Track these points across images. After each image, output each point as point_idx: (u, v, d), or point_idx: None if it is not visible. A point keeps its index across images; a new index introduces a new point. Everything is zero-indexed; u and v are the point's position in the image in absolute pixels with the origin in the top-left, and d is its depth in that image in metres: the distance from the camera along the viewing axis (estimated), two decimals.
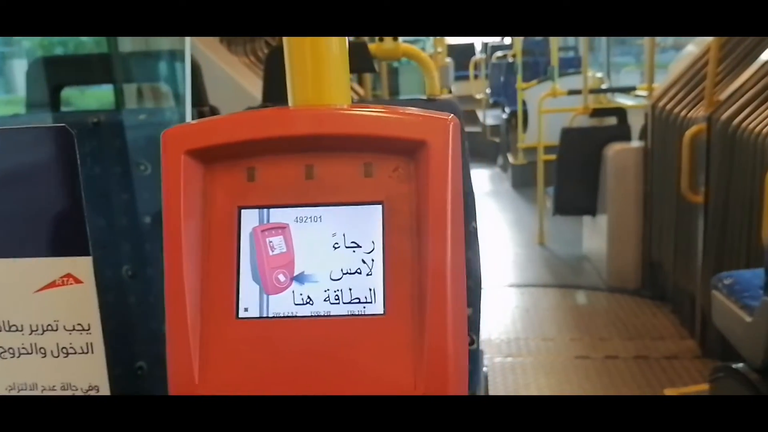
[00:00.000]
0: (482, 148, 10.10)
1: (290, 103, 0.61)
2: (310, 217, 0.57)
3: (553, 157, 4.65)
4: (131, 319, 1.39)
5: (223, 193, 0.57)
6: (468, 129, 6.43)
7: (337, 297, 0.55)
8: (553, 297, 4.00)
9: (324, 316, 0.55)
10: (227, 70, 2.43)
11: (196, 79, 1.76)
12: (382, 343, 0.54)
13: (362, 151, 0.56)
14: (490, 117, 9.44)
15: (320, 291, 0.57)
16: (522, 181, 7.29)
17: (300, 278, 0.57)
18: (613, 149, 3.99)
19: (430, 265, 0.54)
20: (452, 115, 0.58)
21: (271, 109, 0.60)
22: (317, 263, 0.57)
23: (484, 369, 1.52)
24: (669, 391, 2.06)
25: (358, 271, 0.56)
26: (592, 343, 3.24)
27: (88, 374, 0.66)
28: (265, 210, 0.57)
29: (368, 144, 0.56)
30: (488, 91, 9.58)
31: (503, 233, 5.75)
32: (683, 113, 3.25)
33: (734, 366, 1.49)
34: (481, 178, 8.74)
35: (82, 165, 1.53)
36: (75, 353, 0.66)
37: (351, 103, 0.62)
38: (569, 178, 4.44)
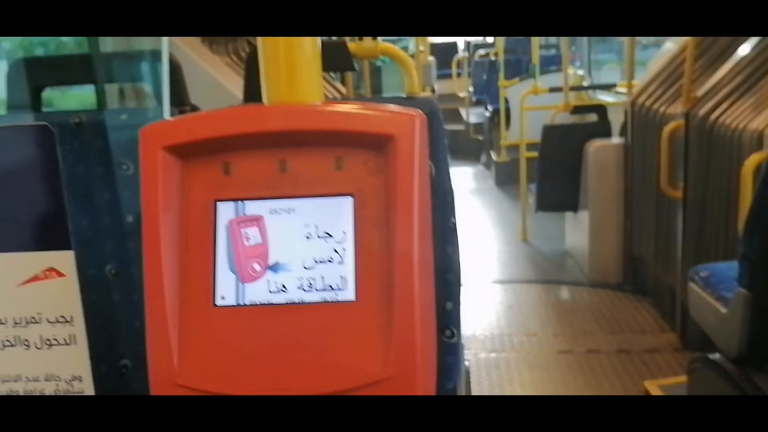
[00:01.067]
0: (466, 146, 10.14)
1: (265, 100, 0.63)
2: (284, 209, 0.59)
3: (535, 154, 4.69)
4: (115, 318, 1.40)
5: (200, 187, 0.59)
6: (451, 127, 6.51)
7: (310, 284, 0.57)
8: (536, 293, 4.04)
9: (298, 303, 0.57)
10: (209, 69, 2.44)
11: (177, 78, 1.77)
12: (353, 327, 0.56)
13: (333, 146, 0.58)
14: (474, 115, 9.49)
15: (294, 279, 0.59)
16: (505, 178, 7.34)
17: (275, 267, 0.59)
18: (594, 146, 4.04)
19: (398, 253, 0.56)
20: (419, 111, 0.60)
21: (246, 106, 0.62)
22: (291, 253, 0.59)
23: (466, 363, 1.54)
24: (649, 384, 2.10)
25: (330, 259, 0.58)
26: (575, 338, 3.28)
27: (71, 365, 0.67)
28: (241, 203, 0.59)
29: (339, 139, 0.58)
30: (471, 89, 9.62)
31: (487, 230, 5.79)
32: (662, 109, 3.30)
33: (711, 357, 1.52)
34: (465, 175, 8.77)
35: (65, 164, 1.53)
36: (58, 344, 0.68)
37: (324, 100, 0.64)
38: (551, 175, 4.48)
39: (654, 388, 2.04)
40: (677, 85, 3.25)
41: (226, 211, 0.59)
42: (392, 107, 0.60)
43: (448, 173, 1.23)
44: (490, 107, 8.22)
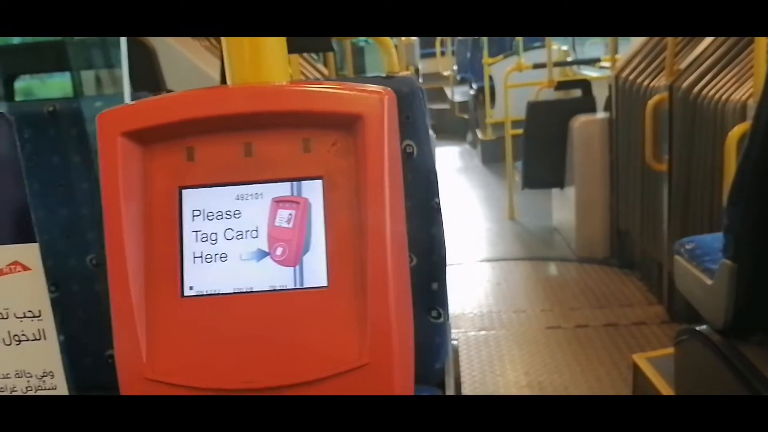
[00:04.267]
0: (451, 125, 10.11)
1: (228, 81, 0.61)
2: (251, 194, 0.57)
3: (520, 131, 4.68)
4: (98, 308, 1.39)
5: (163, 174, 0.57)
6: (436, 106, 6.48)
7: None
8: (524, 270, 4.05)
9: (268, 290, 0.55)
10: (186, 53, 2.39)
11: (152, 63, 1.73)
12: (326, 314, 0.54)
13: (300, 127, 0.56)
14: (458, 94, 9.45)
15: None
16: (491, 156, 7.33)
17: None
18: (579, 121, 4.03)
19: (370, 236, 0.54)
20: (389, 89, 0.58)
21: (208, 89, 0.59)
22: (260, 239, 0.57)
23: (454, 342, 1.54)
24: (637, 357, 2.12)
25: None
26: (563, 313, 3.30)
27: (41, 360, 0.66)
28: (206, 189, 0.57)
29: (306, 120, 0.56)
30: (455, 67, 9.57)
31: (474, 209, 5.79)
32: (646, 83, 3.29)
33: (697, 328, 1.53)
34: (451, 154, 8.75)
35: (40, 154, 1.49)
36: (27, 340, 0.66)
37: (290, 80, 0.62)
38: (536, 152, 4.47)
39: (642, 360, 2.06)
40: (661, 58, 3.24)
41: (191, 199, 0.57)
42: (361, 86, 0.58)
43: (431, 152, 1.22)
44: (474, 85, 8.18)
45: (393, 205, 0.55)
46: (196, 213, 0.57)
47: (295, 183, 0.57)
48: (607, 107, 3.98)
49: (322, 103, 0.56)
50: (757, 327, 1.42)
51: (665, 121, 2.99)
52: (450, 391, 1.19)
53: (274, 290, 0.56)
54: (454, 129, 9.94)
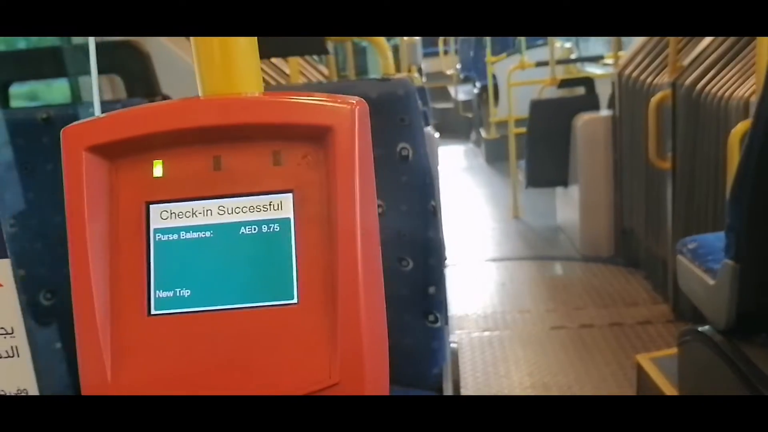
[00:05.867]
0: (455, 124, 10.09)
1: (200, 92, 0.59)
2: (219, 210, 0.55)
3: (524, 130, 4.66)
4: None
5: (129, 189, 0.55)
6: (440, 106, 6.46)
7: None
8: (528, 269, 4.03)
9: (237, 308, 0.54)
10: (182, 55, 2.38)
11: (146, 68, 1.72)
12: (296, 332, 0.53)
13: (270, 140, 0.55)
14: (462, 92, 9.43)
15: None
16: (496, 155, 7.30)
17: None
18: (582, 119, 4.00)
19: (340, 251, 0.53)
20: (359, 99, 0.57)
21: (176, 101, 0.58)
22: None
23: (454, 345, 1.53)
24: (641, 357, 2.10)
25: None
26: (568, 313, 3.28)
27: (15, 378, 0.65)
28: (173, 204, 0.55)
29: (275, 132, 0.55)
30: (459, 66, 9.54)
31: (479, 208, 5.77)
32: (649, 80, 3.26)
33: (700, 329, 1.51)
34: (455, 154, 8.74)
35: (35, 162, 1.48)
36: (0, 357, 0.65)
37: (263, 90, 0.61)
38: (540, 151, 4.45)
39: (645, 361, 2.04)
40: (664, 55, 3.22)
41: (157, 213, 0.56)
42: (334, 96, 0.57)
43: (426, 154, 1.21)
44: (478, 84, 8.17)
45: (364, 218, 0.54)
46: None
47: (264, 197, 0.56)
48: (611, 105, 3.96)
49: (291, 114, 0.55)
50: (761, 328, 1.40)
51: (668, 118, 2.96)
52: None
53: (243, 308, 0.55)
54: (458, 128, 9.92)
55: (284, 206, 0.56)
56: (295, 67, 2.89)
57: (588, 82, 4.43)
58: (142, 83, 1.70)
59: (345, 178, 0.53)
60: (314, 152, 0.55)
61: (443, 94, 9.99)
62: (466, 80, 9.38)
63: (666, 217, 3.15)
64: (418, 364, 1.11)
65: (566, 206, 4.53)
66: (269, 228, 0.55)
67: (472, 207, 5.84)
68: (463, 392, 2.64)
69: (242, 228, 0.55)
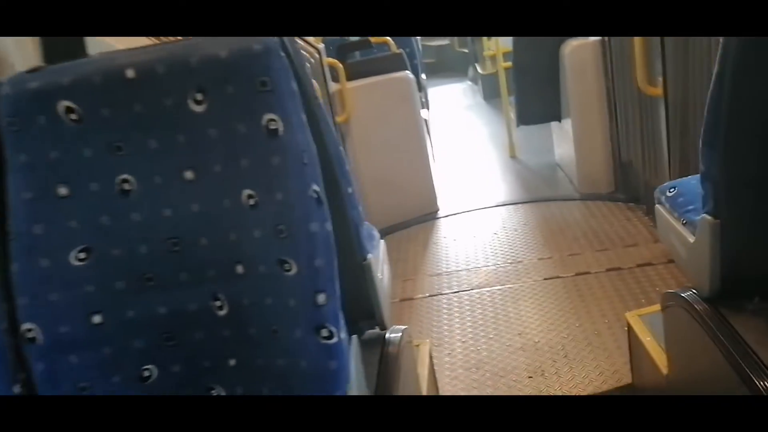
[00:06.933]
0: (452, 61, 9.73)
1: None
2: None
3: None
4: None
5: None
6: (435, 42, 6.09)
7: None
8: (523, 214, 3.80)
9: None
10: None
11: None
12: None
13: None
14: None
15: None
16: (493, 92, 6.97)
17: None
18: (570, 46, 3.69)
19: None
20: None
21: None
22: None
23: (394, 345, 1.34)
24: (630, 315, 1.88)
25: None
26: (562, 261, 3.06)
27: None
28: None
29: None
30: None
31: (475, 149, 5.51)
32: None
33: (683, 294, 1.28)
34: (453, 92, 8.41)
35: None
36: None
37: None
38: (528, 85, 4.15)
39: (634, 319, 1.82)
40: None
41: None
42: None
43: (305, 126, 0.98)
44: None
45: None
46: None
47: None
48: None
49: None
50: (750, 293, 1.18)
51: (656, 40, 2.66)
52: None
53: None
54: (454, 65, 9.57)
55: None
56: None
57: None
58: None
59: None
60: None
61: None
62: None
63: (661, 148, 2.88)
64: (316, 389, 0.92)
65: (563, 142, 4.26)
66: None
67: (468, 148, 5.58)
68: (451, 356, 2.46)
69: None
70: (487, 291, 2.92)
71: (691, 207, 1.31)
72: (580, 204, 3.73)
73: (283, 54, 0.95)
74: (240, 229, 0.95)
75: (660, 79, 2.70)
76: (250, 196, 0.95)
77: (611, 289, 2.72)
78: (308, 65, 1.07)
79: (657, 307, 1.95)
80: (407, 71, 3.97)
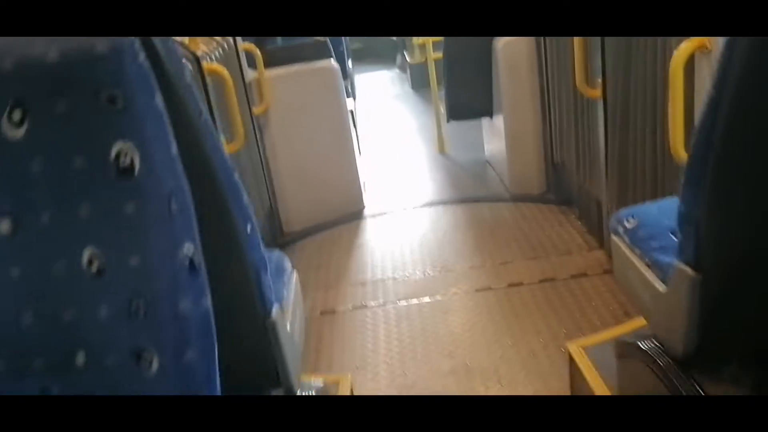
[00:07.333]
0: (380, 47, 9.49)
1: None
2: None
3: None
4: None
5: None
6: None
7: None
8: (453, 215, 3.61)
9: None
10: None
11: None
12: None
13: None
14: None
15: None
16: (422, 81, 6.77)
17: None
18: (503, 40, 3.50)
19: None
20: None
21: None
22: None
23: None
24: (571, 345, 1.71)
25: None
26: (495, 270, 2.88)
27: None
28: None
29: None
30: None
31: (402, 143, 5.29)
32: None
33: (644, 347, 1.09)
34: (379, 80, 8.17)
35: None
36: None
37: None
38: (459, 78, 3.96)
39: (577, 351, 1.64)
40: None
41: None
42: None
43: (174, 159, 0.70)
44: None
45: None
46: None
47: None
48: None
49: None
50: (727, 356, 1.00)
51: (596, 38, 2.50)
52: None
53: None
54: (383, 51, 9.34)
55: None
56: None
57: None
58: None
59: None
60: None
61: None
62: None
63: (598, 150, 2.74)
64: None
65: (493, 138, 4.09)
66: None
67: (396, 142, 5.35)
68: (375, 381, 2.24)
69: None
70: (416, 303, 2.71)
71: (655, 244, 1.12)
72: (511, 205, 3.57)
73: (143, 58, 0.67)
74: (79, 305, 0.68)
75: (599, 80, 2.54)
76: (92, 259, 0.68)
77: (545, 302, 2.56)
78: (189, 73, 0.79)
79: (600, 336, 1.79)
80: (332, 59, 3.69)
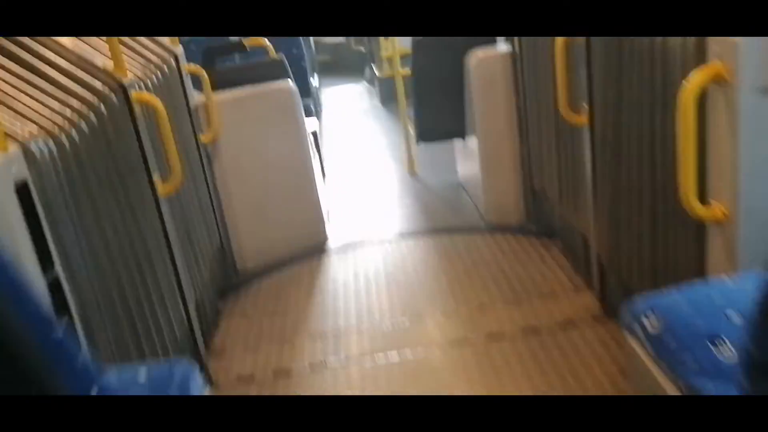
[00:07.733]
0: (348, 60, 9.19)
1: None
2: None
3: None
4: None
5: None
6: (331, 40, 5.40)
7: None
8: (424, 249, 3.28)
9: None
10: None
11: None
12: None
13: None
14: None
15: None
16: (391, 95, 6.45)
17: None
18: (476, 57, 3.20)
19: None
20: None
21: None
22: None
23: None
24: None
25: None
26: (471, 317, 2.56)
27: None
28: None
29: None
30: None
31: (370, 164, 4.96)
32: None
33: None
34: (347, 94, 7.85)
35: None
36: None
37: None
38: (429, 96, 3.65)
39: None
40: None
41: None
42: None
43: None
44: None
45: None
46: None
47: None
48: (509, 37, 3.16)
49: None
50: None
51: (581, 58, 2.20)
52: None
53: None
54: (351, 64, 9.04)
55: None
56: None
57: None
58: None
59: None
60: None
61: None
62: None
63: (584, 181, 2.44)
64: None
65: (467, 161, 3.79)
66: None
67: (364, 163, 5.02)
68: None
69: None
70: (383, 363, 2.37)
71: (692, 362, 0.81)
72: (488, 237, 3.26)
73: None
74: None
75: (584, 104, 2.25)
76: None
77: (530, 359, 2.24)
78: None
79: None
80: (288, 79, 3.35)
